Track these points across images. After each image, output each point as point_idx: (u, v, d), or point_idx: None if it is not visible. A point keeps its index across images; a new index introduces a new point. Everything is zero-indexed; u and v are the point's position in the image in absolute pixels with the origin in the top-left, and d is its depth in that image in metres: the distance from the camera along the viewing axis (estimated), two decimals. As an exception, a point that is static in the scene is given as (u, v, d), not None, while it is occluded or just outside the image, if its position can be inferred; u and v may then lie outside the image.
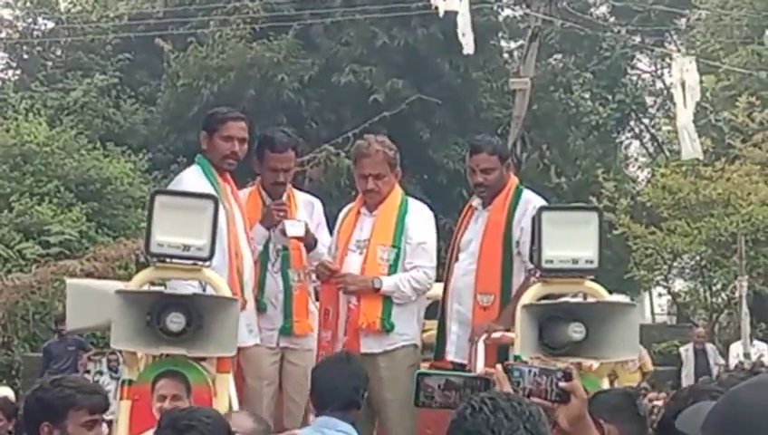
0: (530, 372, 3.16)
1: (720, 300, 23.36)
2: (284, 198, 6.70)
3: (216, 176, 6.26)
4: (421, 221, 6.63)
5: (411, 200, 6.73)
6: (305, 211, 6.77)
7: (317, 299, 6.79)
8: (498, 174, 6.52)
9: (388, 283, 6.38)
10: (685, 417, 2.85)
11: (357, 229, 6.61)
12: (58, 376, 5.14)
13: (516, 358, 5.34)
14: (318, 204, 6.92)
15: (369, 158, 6.58)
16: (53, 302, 17.56)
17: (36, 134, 22.50)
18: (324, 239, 6.74)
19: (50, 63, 27.81)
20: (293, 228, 6.49)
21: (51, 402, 4.31)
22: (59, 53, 28.39)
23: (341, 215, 6.82)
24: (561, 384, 3.11)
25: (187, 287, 5.65)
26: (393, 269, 6.43)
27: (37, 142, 22.31)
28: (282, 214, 6.54)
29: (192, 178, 6.24)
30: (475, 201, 6.67)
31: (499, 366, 3.26)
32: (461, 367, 6.24)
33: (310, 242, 6.60)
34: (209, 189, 5.99)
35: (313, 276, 6.72)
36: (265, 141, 6.67)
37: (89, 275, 16.45)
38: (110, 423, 6.19)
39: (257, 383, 6.40)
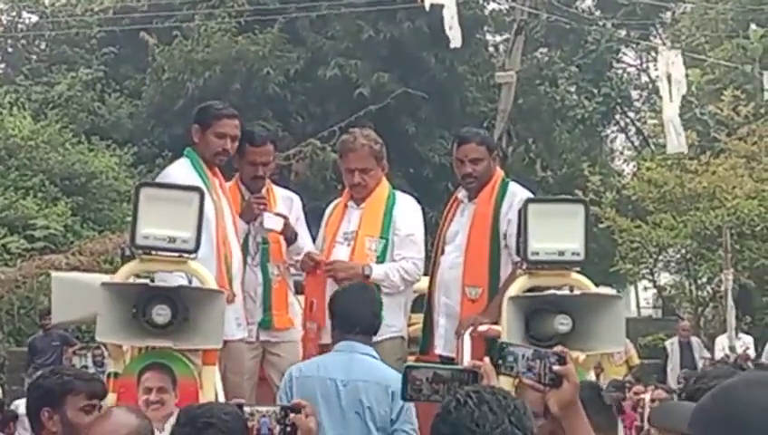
0: (523, 356, 3.14)
1: (705, 293, 23.36)
2: (263, 192, 6.68)
3: (205, 169, 6.25)
4: (409, 213, 6.64)
5: (399, 193, 6.74)
6: (284, 206, 6.75)
7: (298, 292, 6.78)
8: (486, 165, 6.51)
9: (377, 271, 6.38)
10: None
11: (344, 222, 6.61)
12: (56, 367, 5.20)
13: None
14: (297, 199, 6.90)
15: (354, 152, 6.59)
16: (38, 296, 17.51)
17: (21, 128, 22.41)
18: (303, 234, 6.73)
19: (34, 57, 27.70)
20: (270, 222, 6.48)
21: (50, 388, 4.45)
22: (43, 46, 28.28)
23: (329, 209, 6.83)
24: (555, 368, 3.10)
25: (177, 279, 5.64)
26: (381, 260, 6.44)
27: (22, 136, 22.22)
28: (261, 207, 6.53)
29: (181, 171, 6.23)
30: (461, 193, 6.66)
31: (487, 359, 3.24)
32: (449, 360, 6.23)
33: (290, 236, 6.59)
34: (198, 182, 5.97)
35: (292, 270, 6.71)
36: (244, 136, 6.63)
37: (74, 269, 16.39)
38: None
39: (238, 378, 6.37)
